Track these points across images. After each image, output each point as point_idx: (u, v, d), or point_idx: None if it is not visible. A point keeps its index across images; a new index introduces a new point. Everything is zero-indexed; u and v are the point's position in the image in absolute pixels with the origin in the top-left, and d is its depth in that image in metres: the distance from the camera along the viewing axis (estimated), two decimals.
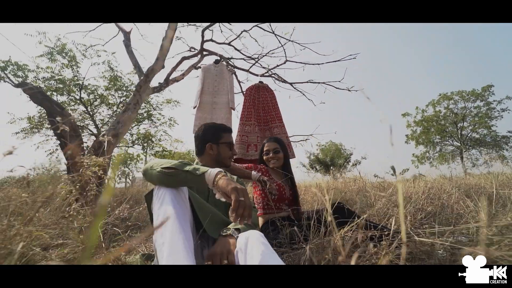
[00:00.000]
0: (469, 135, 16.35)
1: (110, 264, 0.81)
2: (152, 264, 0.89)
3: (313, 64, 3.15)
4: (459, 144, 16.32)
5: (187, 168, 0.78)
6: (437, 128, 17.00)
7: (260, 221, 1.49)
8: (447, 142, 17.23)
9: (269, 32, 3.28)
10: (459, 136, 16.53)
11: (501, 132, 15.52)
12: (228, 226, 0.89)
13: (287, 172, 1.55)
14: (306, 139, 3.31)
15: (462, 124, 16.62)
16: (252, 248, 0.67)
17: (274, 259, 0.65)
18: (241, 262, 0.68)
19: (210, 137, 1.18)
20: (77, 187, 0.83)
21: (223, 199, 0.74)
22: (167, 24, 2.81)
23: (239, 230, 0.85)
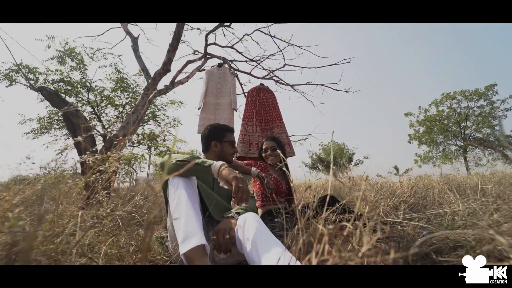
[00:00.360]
0: (472, 134, 16.29)
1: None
2: (166, 241, 1.05)
3: (310, 67, 3.30)
4: (462, 144, 16.26)
5: (197, 161, 0.95)
6: (440, 127, 16.96)
7: (259, 212, 1.64)
8: (450, 141, 17.18)
9: (270, 35, 3.43)
10: (462, 135, 16.47)
11: (505, 132, 15.47)
12: (230, 211, 1.05)
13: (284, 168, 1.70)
14: (305, 139, 3.45)
15: (465, 123, 16.56)
16: (249, 225, 0.82)
17: (266, 234, 0.80)
18: (240, 236, 0.84)
19: (215, 136, 1.34)
20: (104, 178, 1.00)
21: (226, 186, 0.90)
22: (171, 28, 2.98)
23: (239, 214, 1.01)
